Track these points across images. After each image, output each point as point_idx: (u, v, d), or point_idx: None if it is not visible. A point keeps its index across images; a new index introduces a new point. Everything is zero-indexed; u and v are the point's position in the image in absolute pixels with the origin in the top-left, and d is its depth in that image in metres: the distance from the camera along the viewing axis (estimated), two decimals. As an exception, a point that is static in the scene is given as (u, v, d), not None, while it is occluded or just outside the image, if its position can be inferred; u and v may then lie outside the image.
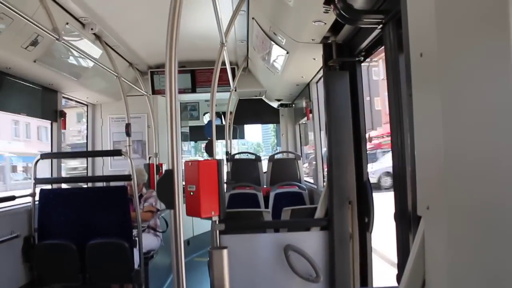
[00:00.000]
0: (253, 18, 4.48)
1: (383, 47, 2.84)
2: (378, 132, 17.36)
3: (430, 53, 1.36)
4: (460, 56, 1.26)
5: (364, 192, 3.42)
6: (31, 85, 4.89)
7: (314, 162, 6.18)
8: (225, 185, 3.38)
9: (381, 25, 2.69)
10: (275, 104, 8.39)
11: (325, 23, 3.32)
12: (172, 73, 1.84)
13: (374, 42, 3.19)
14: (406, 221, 2.34)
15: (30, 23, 3.38)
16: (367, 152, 3.59)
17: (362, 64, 3.54)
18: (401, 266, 2.46)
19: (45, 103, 5.33)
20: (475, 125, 1.23)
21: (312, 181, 6.51)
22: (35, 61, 4.22)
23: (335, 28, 3.41)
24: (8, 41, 3.70)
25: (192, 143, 14.94)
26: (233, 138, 8.76)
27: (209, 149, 3.88)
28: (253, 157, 7.92)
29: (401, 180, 2.41)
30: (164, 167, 6.81)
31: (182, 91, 7.00)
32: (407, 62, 1.69)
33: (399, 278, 2.48)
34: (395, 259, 2.64)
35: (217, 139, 3.90)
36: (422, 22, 1.42)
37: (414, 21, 1.51)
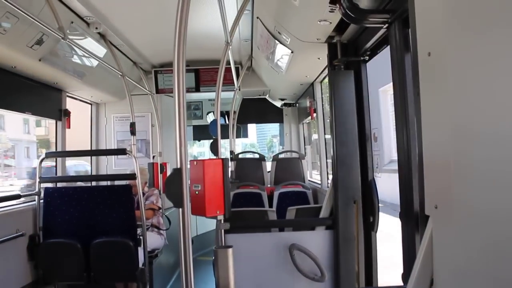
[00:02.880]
0: (257, 18, 4.48)
1: (388, 46, 2.84)
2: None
3: (438, 52, 1.36)
4: (469, 55, 1.26)
5: (369, 192, 3.43)
6: (36, 84, 4.90)
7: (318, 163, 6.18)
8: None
9: (386, 25, 2.68)
10: (278, 104, 8.38)
11: (331, 23, 3.32)
12: (180, 68, 1.85)
13: (379, 41, 3.19)
14: (413, 221, 2.33)
15: (35, 22, 3.39)
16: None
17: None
18: (407, 265, 2.46)
19: (50, 102, 5.34)
20: (485, 124, 1.22)
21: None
22: (40, 60, 4.22)
23: (340, 27, 3.41)
24: (14, 40, 3.71)
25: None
26: (236, 137, 8.76)
27: (214, 148, 3.88)
28: (257, 156, 7.93)
29: (407, 180, 2.40)
30: (168, 166, 6.82)
31: (186, 90, 6.97)
32: (414, 61, 1.69)
33: (404, 277, 2.48)
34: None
35: (221, 138, 3.90)
36: (430, 21, 1.42)
37: (421, 20, 1.51)
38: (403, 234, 2.50)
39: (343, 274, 3.42)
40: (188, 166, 3.04)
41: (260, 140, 34.15)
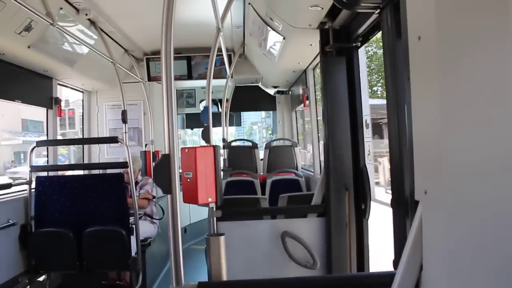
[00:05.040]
0: (249, 4, 4.44)
1: (380, 32, 2.82)
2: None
3: (429, 36, 1.34)
4: (459, 39, 1.25)
5: (361, 179, 3.42)
6: (25, 72, 4.84)
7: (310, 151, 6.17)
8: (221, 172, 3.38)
9: (379, 10, 2.66)
10: (271, 91, 8.35)
11: (322, 8, 3.29)
12: (168, 49, 1.80)
13: (372, 27, 3.17)
14: (403, 207, 2.33)
15: (23, 8, 3.34)
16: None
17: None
18: (397, 252, 2.46)
19: (40, 90, 5.29)
20: (474, 109, 1.22)
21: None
22: (29, 47, 4.16)
23: (332, 13, 3.38)
24: (1, 26, 3.65)
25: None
26: (229, 125, 8.73)
27: (206, 136, 3.85)
28: (249, 144, 7.92)
29: (399, 166, 2.40)
30: (161, 155, 6.79)
31: (178, 78, 6.95)
32: (405, 46, 1.68)
33: (395, 263, 2.48)
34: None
35: (213, 126, 3.88)
36: (421, 5, 1.40)
37: (412, 4, 1.49)
38: (394, 221, 2.50)
39: (335, 261, 3.42)
40: (179, 153, 3.04)
41: (239, 127, 33.00)
